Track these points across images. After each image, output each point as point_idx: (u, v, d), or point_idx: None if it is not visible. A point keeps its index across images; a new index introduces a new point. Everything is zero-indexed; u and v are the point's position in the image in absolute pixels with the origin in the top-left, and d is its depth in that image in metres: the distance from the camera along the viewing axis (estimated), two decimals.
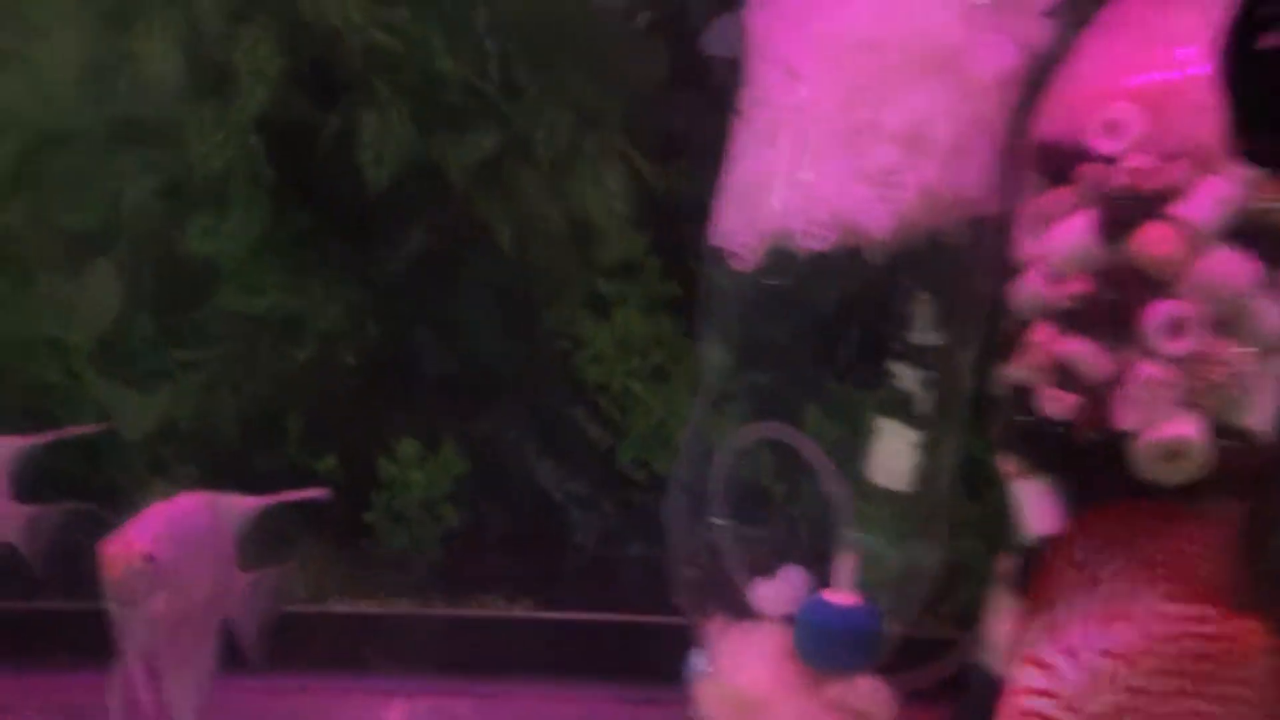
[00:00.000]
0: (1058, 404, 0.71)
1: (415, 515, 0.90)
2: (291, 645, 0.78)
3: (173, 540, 0.64)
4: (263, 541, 0.74)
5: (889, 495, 0.78)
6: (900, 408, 0.78)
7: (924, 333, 0.78)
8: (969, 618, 0.81)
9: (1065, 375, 0.71)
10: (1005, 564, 0.77)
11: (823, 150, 0.70)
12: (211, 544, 0.68)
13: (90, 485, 0.88)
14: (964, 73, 0.69)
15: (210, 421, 0.90)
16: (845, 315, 0.77)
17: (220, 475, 0.89)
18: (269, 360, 0.90)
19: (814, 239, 0.71)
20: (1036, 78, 0.71)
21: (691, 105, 0.89)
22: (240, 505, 0.70)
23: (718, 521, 0.76)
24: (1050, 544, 0.68)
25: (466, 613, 0.90)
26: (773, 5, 0.71)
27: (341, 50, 0.86)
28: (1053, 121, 0.72)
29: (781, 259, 0.73)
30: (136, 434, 0.87)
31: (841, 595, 0.75)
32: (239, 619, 0.70)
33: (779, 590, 0.77)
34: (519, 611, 0.89)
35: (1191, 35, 0.65)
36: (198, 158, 0.88)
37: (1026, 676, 0.55)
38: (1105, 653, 0.55)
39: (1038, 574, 0.63)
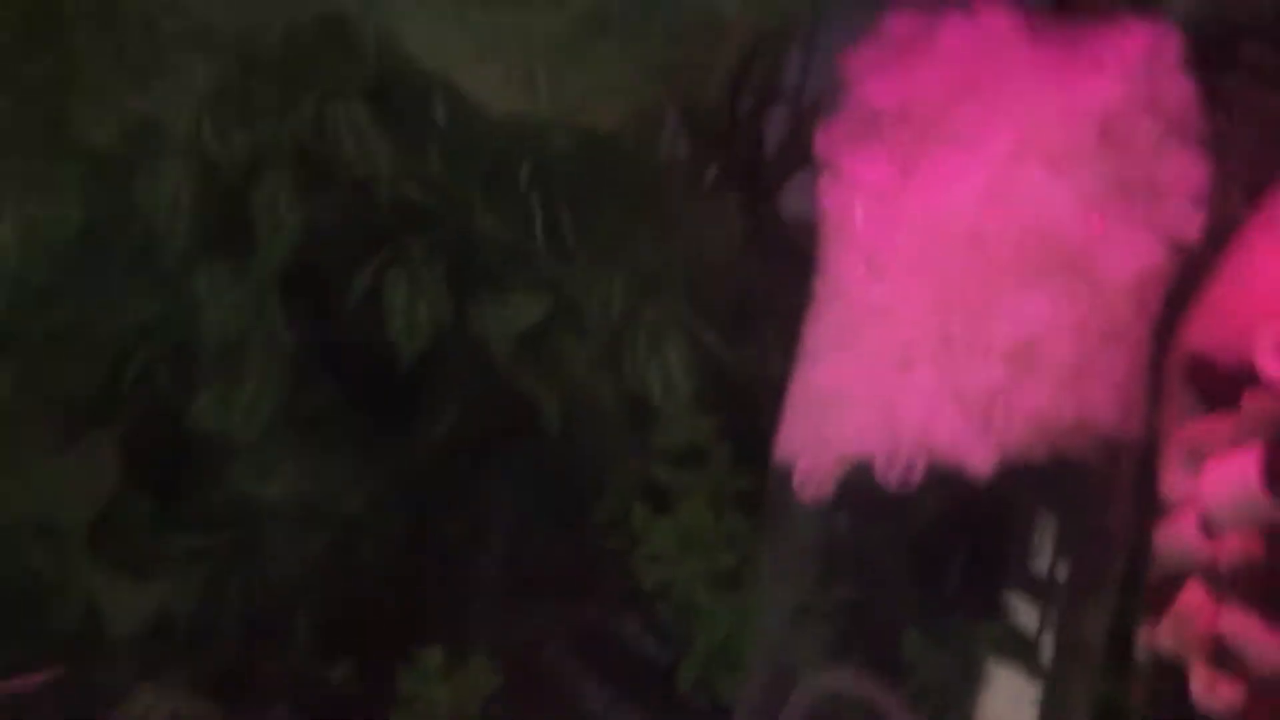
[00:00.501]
0: (1215, 693, 0.56)
1: None
2: None
3: None
4: None
5: None
6: (1018, 650, 0.64)
7: (1048, 563, 0.64)
8: None
9: (1228, 658, 0.56)
10: None
11: (910, 363, 0.57)
12: None
13: (70, 691, 0.79)
14: (1092, 274, 0.55)
15: (210, 619, 0.80)
16: (950, 534, 0.63)
17: (219, 682, 0.80)
18: (281, 551, 0.80)
19: (897, 470, 0.57)
20: (1186, 279, 0.57)
21: (767, 271, 0.78)
22: None
23: None
24: None
25: None
26: (851, 180, 0.58)
27: (370, 204, 0.77)
28: (1209, 333, 0.57)
29: (859, 488, 0.60)
30: (125, 630, 0.78)
31: None
32: None
33: None
34: None
35: None
36: (210, 320, 0.79)
37: None
38: None
39: None
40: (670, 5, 0.73)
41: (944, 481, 0.60)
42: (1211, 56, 0.59)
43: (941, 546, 0.63)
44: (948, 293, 0.55)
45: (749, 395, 0.77)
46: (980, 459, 0.56)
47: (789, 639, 0.66)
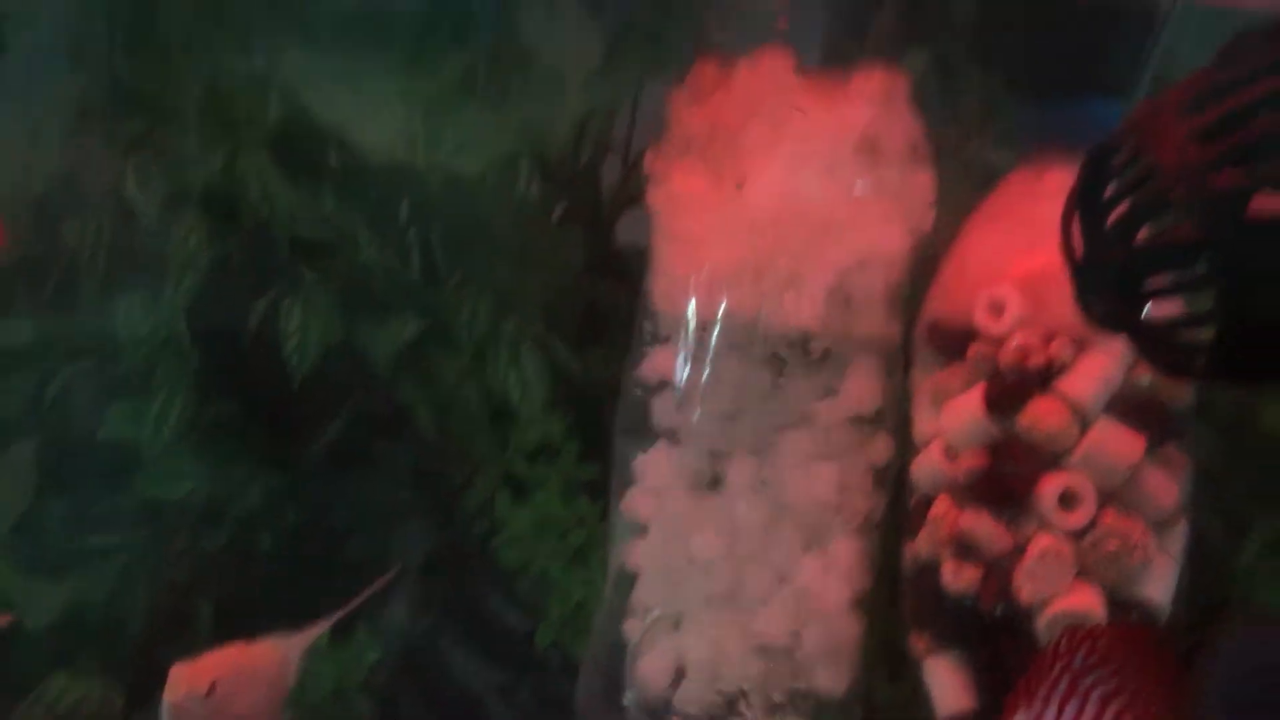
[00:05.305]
0: (960, 578, 0.73)
1: (327, 707, 0.88)
2: None
3: (238, 680, 0.67)
4: None
5: None
6: None
7: None
8: None
9: (967, 549, 0.73)
10: None
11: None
12: (268, 694, 0.70)
13: None
14: (859, 250, 0.73)
15: (119, 610, 0.89)
16: None
17: (127, 667, 0.88)
18: (184, 547, 0.90)
19: None
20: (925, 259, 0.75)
21: (606, 292, 0.93)
22: (303, 643, 0.73)
23: (630, 700, 0.75)
24: (1058, 642, 0.65)
25: None
26: (674, 187, 0.75)
27: (269, 240, 0.89)
28: (943, 304, 0.75)
29: None
30: (40, 623, 0.86)
31: None
32: None
33: None
34: None
35: None
36: (125, 344, 0.89)
37: None
38: None
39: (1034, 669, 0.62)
40: (525, 74, 0.89)
41: None
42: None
43: None
44: (757, 264, 0.72)
45: (592, 397, 0.91)
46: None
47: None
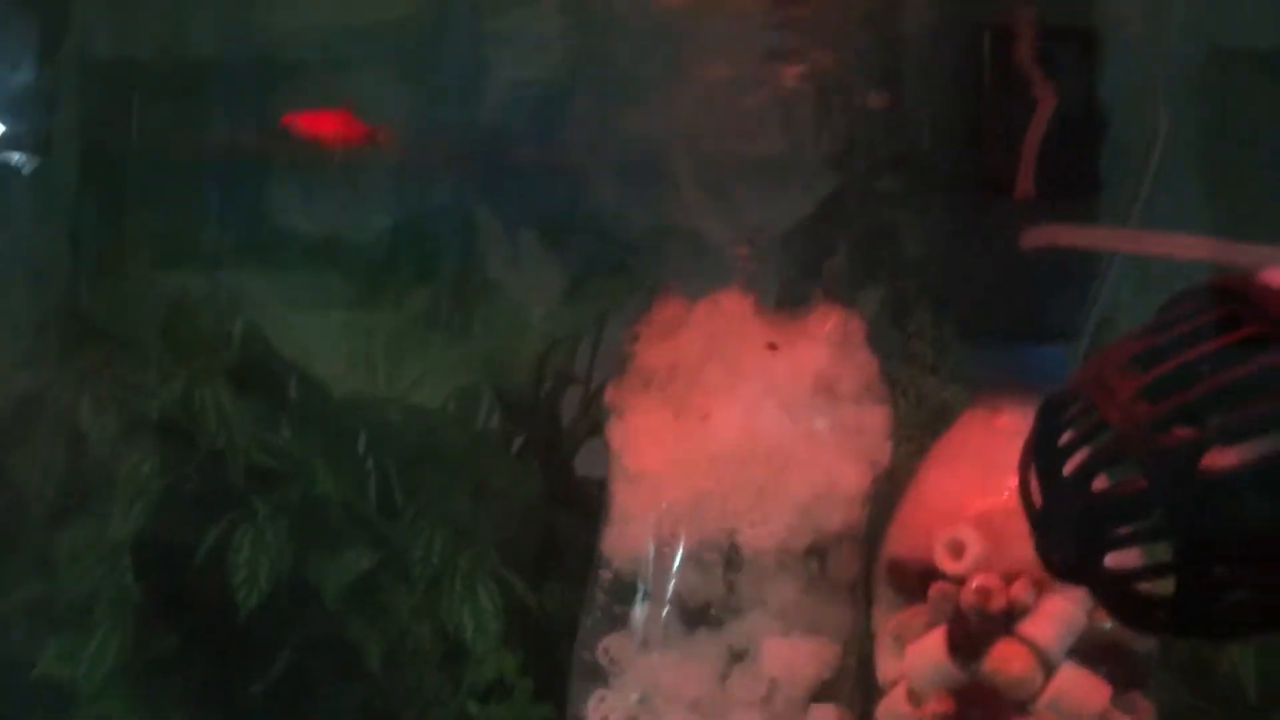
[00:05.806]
0: None
1: None
2: None
3: None
4: None
5: None
6: None
7: None
8: None
9: None
10: None
11: None
12: None
13: None
14: (822, 486, 0.73)
15: None
16: None
17: None
18: None
19: None
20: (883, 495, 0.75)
21: (565, 524, 0.92)
22: None
23: None
24: None
25: None
26: (633, 421, 0.75)
27: (223, 469, 0.88)
28: (902, 543, 0.75)
29: None
30: None
31: None
32: None
33: None
34: None
35: None
36: (65, 578, 0.87)
37: None
38: None
39: None
40: (486, 308, 0.90)
41: None
42: None
43: None
44: (716, 499, 0.72)
45: (548, 632, 0.89)
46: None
47: None
